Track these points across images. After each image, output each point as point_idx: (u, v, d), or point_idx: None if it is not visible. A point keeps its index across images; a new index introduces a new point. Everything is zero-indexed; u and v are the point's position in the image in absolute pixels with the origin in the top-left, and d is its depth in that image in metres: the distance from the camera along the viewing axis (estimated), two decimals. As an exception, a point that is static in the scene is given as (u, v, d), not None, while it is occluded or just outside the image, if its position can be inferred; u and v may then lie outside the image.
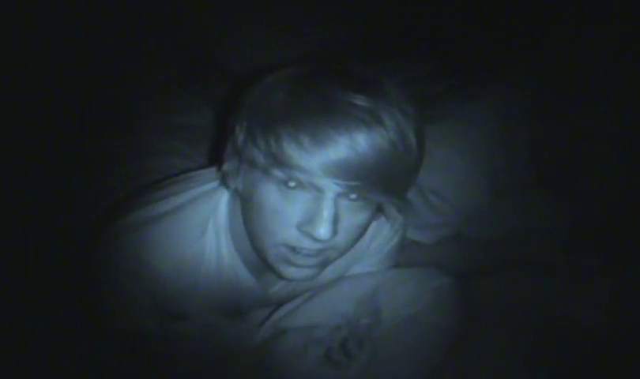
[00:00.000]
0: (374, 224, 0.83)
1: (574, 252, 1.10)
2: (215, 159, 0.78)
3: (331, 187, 0.63)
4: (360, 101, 0.62)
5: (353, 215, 0.68)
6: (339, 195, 0.65)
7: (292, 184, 0.64)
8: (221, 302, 0.83)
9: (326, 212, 0.64)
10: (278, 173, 0.64)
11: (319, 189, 0.64)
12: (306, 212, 0.66)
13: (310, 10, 1.41)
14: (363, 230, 0.71)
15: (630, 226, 1.11)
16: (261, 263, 0.75)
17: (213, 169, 0.82)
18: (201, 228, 0.78)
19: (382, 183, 0.64)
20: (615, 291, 1.00)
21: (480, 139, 1.13)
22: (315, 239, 0.65)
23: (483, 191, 1.15)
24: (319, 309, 0.86)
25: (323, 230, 0.64)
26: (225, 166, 0.72)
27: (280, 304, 0.88)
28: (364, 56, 1.36)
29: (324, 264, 0.72)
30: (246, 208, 0.71)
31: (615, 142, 1.15)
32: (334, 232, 0.65)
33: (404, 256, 0.96)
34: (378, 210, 0.73)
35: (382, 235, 0.89)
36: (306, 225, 0.66)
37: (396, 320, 0.84)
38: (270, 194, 0.66)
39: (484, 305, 0.96)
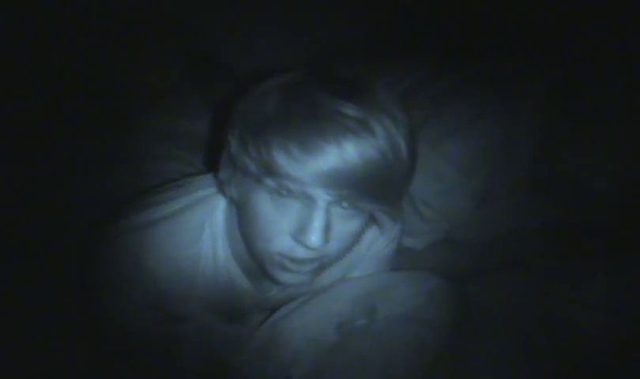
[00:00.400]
0: (371, 232, 0.84)
1: (568, 253, 1.09)
2: (211, 165, 0.79)
3: (322, 196, 0.64)
4: (350, 110, 0.63)
5: (345, 223, 0.68)
6: (330, 203, 0.65)
7: (284, 193, 0.65)
8: (218, 305, 0.84)
9: (317, 221, 0.65)
10: (269, 182, 0.64)
11: (310, 198, 0.65)
12: (298, 221, 0.66)
13: (313, 11, 1.41)
14: (357, 237, 0.72)
15: (624, 226, 1.10)
16: (258, 268, 0.76)
17: (210, 175, 0.83)
18: (197, 232, 0.79)
19: (372, 191, 0.65)
20: (610, 293, 0.99)
21: (477, 147, 1.13)
22: (307, 247, 0.66)
23: (473, 198, 1.14)
24: (315, 311, 0.86)
25: (314, 239, 0.65)
26: (221, 175, 0.73)
27: (277, 308, 0.89)
28: (367, 56, 1.35)
29: (318, 271, 0.73)
30: (241, 215, 0.72)
31: (613, 148, 1.14)
32: (326, 240, 0.66)
33: (397, 259, 0.96)
34: (372, 218, 0.73)
35: (379, 242, 0.89)
36: (298, 233, 0.66)
37: (389, 319, 0.84)
38: (263, 203, 0.67)
39: (478, 308, 0.96)
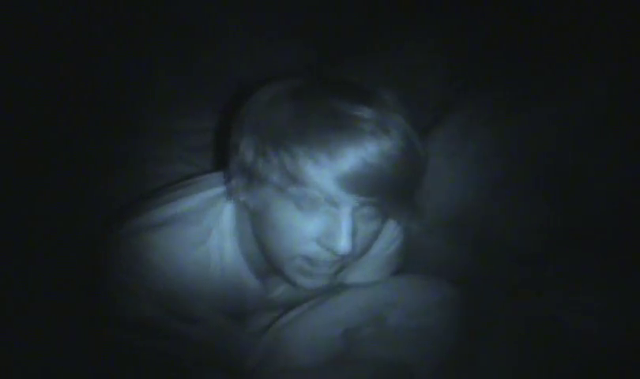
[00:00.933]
0: None
1: (562, 258, 1.09)
2: (218, 167, 0.79)
3: (348, 201, 0.65)
4: (367, 113, 0.64)
5: (367, 225, 0.69)
6: (355, 207, 0.66)
7: (309, 200, 0.65)
8: (225, 304, 0.83)
9: (345, 227, 0.66)
10: (294, 190, 0.65)
11: (336, 204, 0.65)
12: (324, 227, 0.67)
13: (312, 9, 1.40)
14: (377, 236, 0.73)
15: (622, 229, 1.11)
16: (266, 266, 0.76)
17: (218, 174, 0.83)
18: (205, 232, 0.79)
19: (396, 192, 0.66)
20: (605, 297, 0.99)
21: (482, 148, 1.14)
22: (336, 254, 0.67)
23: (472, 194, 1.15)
24: (322, 317, 0.86)
25: (344, 244, 0.66)
26: (233, 183, 0.72)
27: (282, 307, 0.88)
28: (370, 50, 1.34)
29: (338, 273, 0.73)
30: (259, 222, 0.72)
31: (616, 151, 1.14)
32: (354, 245, 0.66)
33: (401, 259, 0.96)
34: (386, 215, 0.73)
35: (384, 240, 0.88)
36: (325, 240, 0.67)
37: (399, 328, 0.84)
38: (286, 211, 0.67)
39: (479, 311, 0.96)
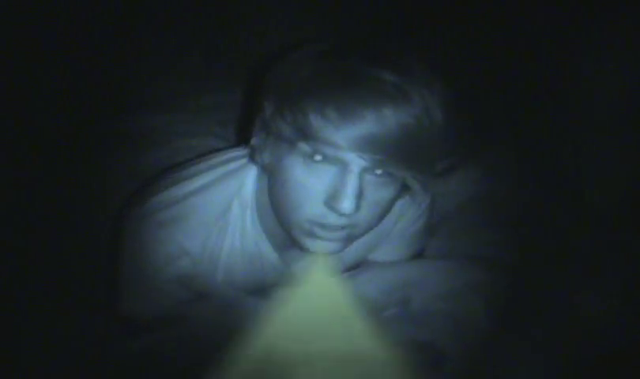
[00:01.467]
0: (399, 205, 0.82)
1: (575, 239, 1.04)
2: (243, 136, 0.79)
3: (356, 161, 0.64)
4: (387, 76, 0.63)
5: (377, 191, 0.67)
6: (364, 169, 0.65)
7: (318, 158, 0.65)
8: (245, 278, 0.83)
9: (350, 186, 0.65)
10: (304, 146, 0.65)
11: (344, 163, 0.65)
12: (330, 186, 0.66)
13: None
14: (388, 206, 0.71)
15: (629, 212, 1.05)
16: (286, 239, 0.75)
17: (239, 147, 0.83)
18: (225, 205, 0.79)
19: (406, 158, 0.65)
20: (616, 277, 0.94)
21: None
22: (339, 213, 0.66)
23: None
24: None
25: (347, 204, 0.64)
26: (253, 141, 0.73)
27: (303, 283, 0.87)
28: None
29: (348, 240, 0.72)
30: (272, 182, 0.72)
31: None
32: (357, 207, 0.65)
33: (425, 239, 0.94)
34: (404, 188, 0.72)
35: (407, 217, 0.87)
36: (330, 199, 0.66)
37: (425, 311, 0.81)
38: (295, 168, 0.67)
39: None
